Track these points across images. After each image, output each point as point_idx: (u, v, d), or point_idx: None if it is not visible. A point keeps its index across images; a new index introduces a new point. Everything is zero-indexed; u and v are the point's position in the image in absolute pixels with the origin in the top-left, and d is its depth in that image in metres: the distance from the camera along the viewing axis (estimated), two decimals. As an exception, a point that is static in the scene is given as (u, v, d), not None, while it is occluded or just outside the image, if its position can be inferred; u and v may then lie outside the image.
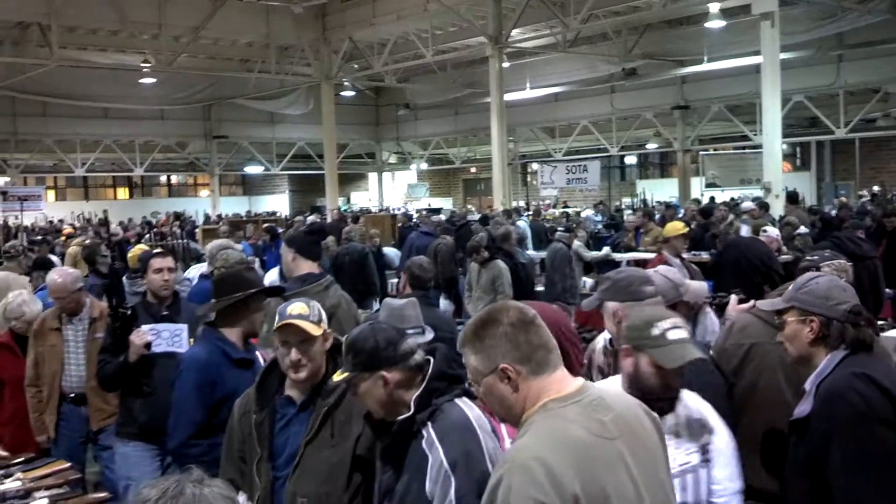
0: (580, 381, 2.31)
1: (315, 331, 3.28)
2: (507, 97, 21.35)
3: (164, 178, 40.53)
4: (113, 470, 5.34)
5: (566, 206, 28.44)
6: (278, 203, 38.44)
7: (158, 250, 5.74)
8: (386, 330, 2.96)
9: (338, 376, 2.93)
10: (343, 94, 29.03)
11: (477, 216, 19.88)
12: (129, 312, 4.94)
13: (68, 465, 4.48)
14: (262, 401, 3.36)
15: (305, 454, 3.23)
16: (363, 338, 2.91)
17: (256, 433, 3.31)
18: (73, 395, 5.77)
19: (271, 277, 7.23)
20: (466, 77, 26.91)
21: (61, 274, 5.96)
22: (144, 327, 4.90)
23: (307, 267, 5.23)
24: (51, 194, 35.58)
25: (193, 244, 15.63)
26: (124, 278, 8.18)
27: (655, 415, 2.43)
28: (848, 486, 2.85)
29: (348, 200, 37.04)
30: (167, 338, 4.95)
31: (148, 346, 4.85)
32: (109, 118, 28.91)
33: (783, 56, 15.55)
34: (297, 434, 3.28)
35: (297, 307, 3.30)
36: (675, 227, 8.34)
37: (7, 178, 29.55)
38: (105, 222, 19.07)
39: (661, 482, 2.30)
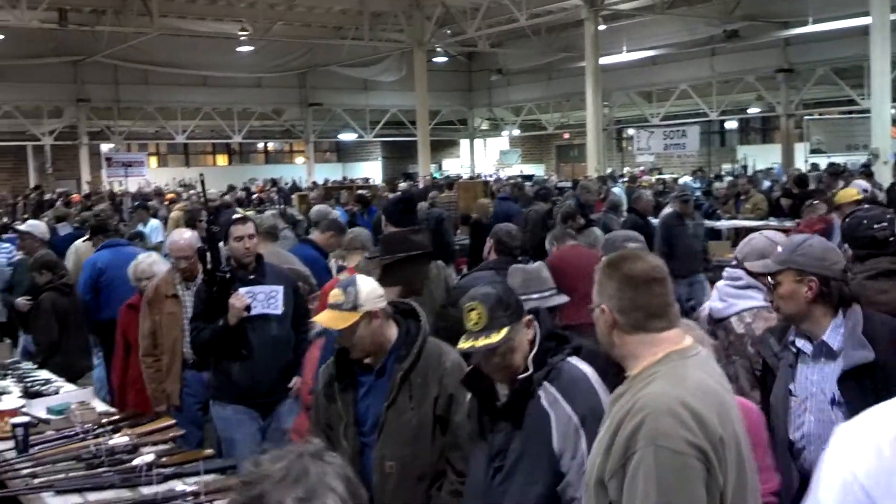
0: (689, 337, 2.36)
1: (338, 323, 3.27)
2: (603, 61, 20.98)
3: (261, 145, 41.21)
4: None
5: (661, 173, 27.87)
6: (371, 170, 38.71)
7: (237, 216, 5.65)
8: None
9: (495, 338, 2.82)
10: (435, 60, 28.95)
11: (559, 182, 19.67)
12: (227, 276, 4.93)
13: (173, 422, 4.59)
14: (343, 369, 3.40)
15: (388, 419, 3.29)
16: (504, 292, 2.96)
17: (340, 400, 3.37)
18: (193, 360, 5.61)
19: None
20: (561, 41, 26.50)
21: (181, 235, 5.85)
22: (241, 290, 4.91)
23: None
24: (153, 160, 36.55)
25: (290, 209, 15.87)
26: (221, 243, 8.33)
27: None
28: None
29: (440, 167, 37.05)
30: (262, 300, 4.98)
31: (248, 308, 4.87)
32: (208, 86, 29.51)
33: (894, 17, 14.83)
34: (378, 400, 3.34)
35: (333, 295, 3.31)
36: (849, 194, 8.09)
37: (111, 145, 30.52)
38: (222, 196, 18.85)
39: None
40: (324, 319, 3.34)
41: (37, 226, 8.93)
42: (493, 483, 2.91)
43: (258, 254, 5.19)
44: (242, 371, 4.95)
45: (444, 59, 30.05)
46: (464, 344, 2.87)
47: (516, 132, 36.36)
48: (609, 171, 22.08)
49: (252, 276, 5.06)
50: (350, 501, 1.46)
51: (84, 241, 9.25)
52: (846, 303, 3.13)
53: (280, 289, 5.03)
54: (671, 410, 2.11)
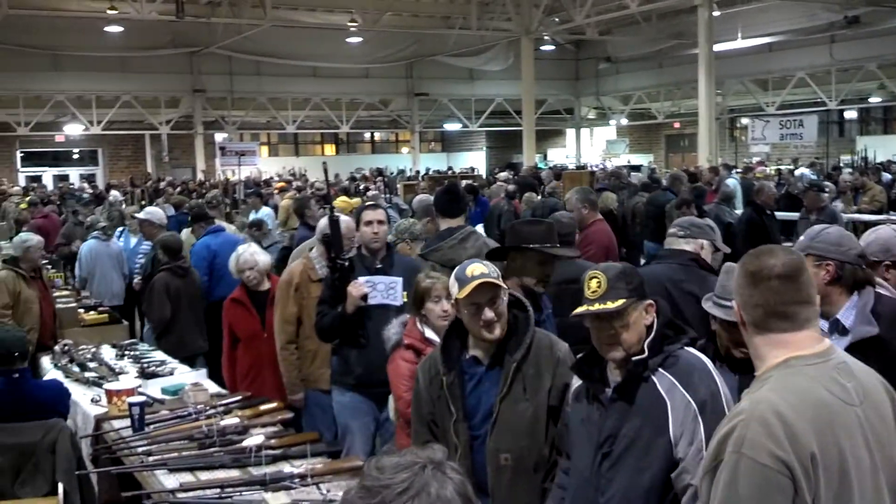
0: (827, 342, 2.23)
1: (502, 283, 3.27)
2: (717, 48, 20.39)
3: (367, 135, 41.71)
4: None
5: (779, 164, 26.97)
6: (476, 159, 38.74)
7: (370, 202, 5.73)
8: None
9: (610, 305, 2.80)
10: (542, 48, 28.70)
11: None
12: (347, 264, 4.94)
13: (282, 404, 4.66)
14: (449, 362, 3.34)
15: (501, 411, 3.24)
16: (629, 269, 2.94)
17: (449, 395, 3.31)
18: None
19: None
20: (672, 27, 25.86)
21: (345, 220, 5.74)
22: (361, 279, 4.91)
23: (446, 223, 5.36)
24: (264, 150, 37.40)
25: (396, 198, 16.01)
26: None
27: (894, 392, 2.31)
28: None
29: (545, 157, 36.75)
30: (382, 290, 4.97)
31: (364, 297, 4.86)
32: (318, 77, 29.98)
33: None
34: (488, 392, 3.28)
35: (477, 268, 3.26)
36: None
37: (225, 135, 31.38)
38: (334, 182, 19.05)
39: (893, 459, 2.21)
40: (492, 280, 3.22)
41: (153, 212, 9.29)
42: (600, 470, 2.85)
43: (388, 243, 5.21)
44: (360, 359, 4.97)
45: (552, 47, 29.78)
46: (579, 308, 2.86)
47: (624, 121, 35.76)
48: (720, 161, 21.50)
49: (379, 266, 5.07)
50: None
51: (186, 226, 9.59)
52: (861, 285, 3.29)
53: (400, 280, 4.99)
54: (762, 419, 2.03)
